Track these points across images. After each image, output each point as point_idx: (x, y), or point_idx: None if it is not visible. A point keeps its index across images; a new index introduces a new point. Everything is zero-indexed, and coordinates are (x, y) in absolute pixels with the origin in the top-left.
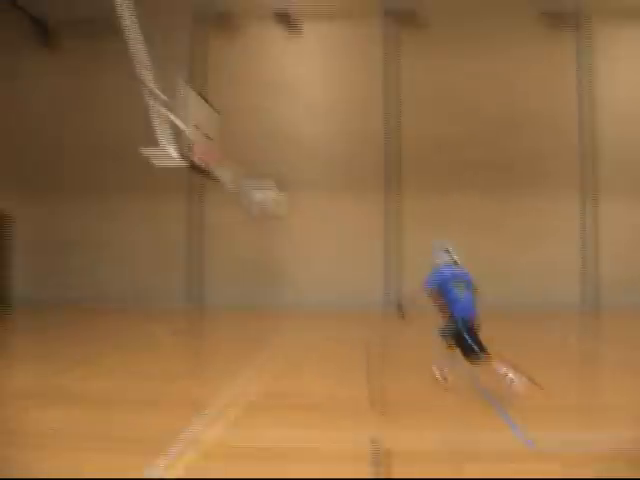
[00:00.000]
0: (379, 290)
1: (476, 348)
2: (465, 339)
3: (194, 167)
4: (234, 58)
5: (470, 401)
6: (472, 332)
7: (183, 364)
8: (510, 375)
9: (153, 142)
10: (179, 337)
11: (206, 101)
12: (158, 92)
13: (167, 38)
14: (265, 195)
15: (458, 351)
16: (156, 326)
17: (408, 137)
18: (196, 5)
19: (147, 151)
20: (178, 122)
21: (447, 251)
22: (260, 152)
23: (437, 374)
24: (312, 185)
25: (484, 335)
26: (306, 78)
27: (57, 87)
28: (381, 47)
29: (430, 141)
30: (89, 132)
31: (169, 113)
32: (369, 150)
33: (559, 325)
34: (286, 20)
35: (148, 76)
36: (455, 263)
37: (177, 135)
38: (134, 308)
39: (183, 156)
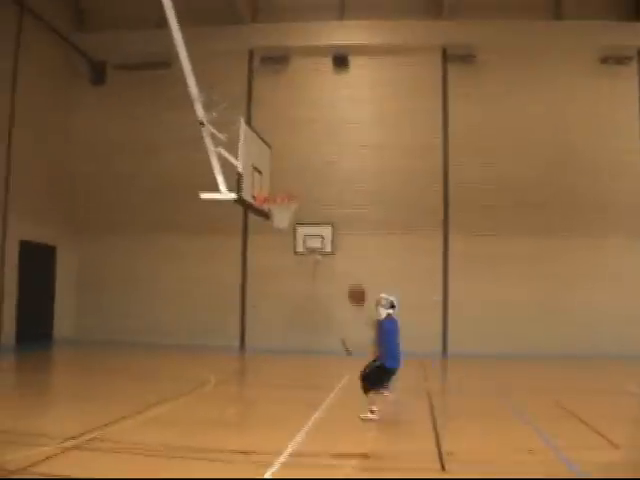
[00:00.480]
0: (434, 336)
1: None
2: (385, 380)
3: (249, 206)
4: (283, 94)
5: None
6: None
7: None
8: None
9: (210, 182)
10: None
11: (260, 138)
12: (215, 131)
13: (219, 74)
14: (317, 235)
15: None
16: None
17: (458, 177)
18: (245, 43)
19: (205, 195)
20: (236, 161)
21: (393, 306)
22: (308, 191)
23: (369, 414)
24: (358, 222)
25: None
26: (355, 114)
27: (112, 125)
28: (433, 86)
29: (481, 180)
30: (143, 171)
31: (226, 152)
32: (420, 189)
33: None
34: (337, 57)
35: (205, 115)
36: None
37: (234, 173)
38: (185, 349)
39: (239, 195)
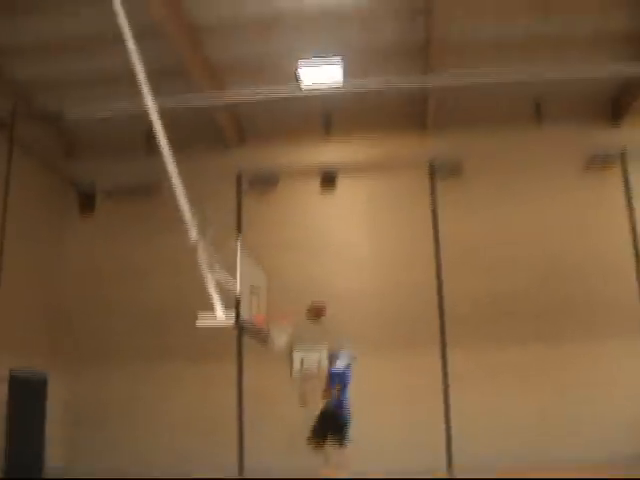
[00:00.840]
0: (438, 451)
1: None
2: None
3: (248, 329)
4: (272, 215)
5: None
6: None
7: None
8: None
9: (202, 305)
10: None
11: (255, 261)
12: (211, 254)
13: (208, 198)
14: (313, 358)
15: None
16: None
17: (451, 288)
18: (233, 167)
19: (202, 322)
20: (233, 284)
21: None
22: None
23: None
24: (359, 343)
25: None
26: (346, 232)
27: (102, 252)
28: (422, 199)
29: (473, 292)
30: (135, 297)
31: (222, 275)
32: (416, 303)
33: None
34: (325, 176)
35: (199, 238)
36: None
37: (229, 297)
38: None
39: (238, 320)
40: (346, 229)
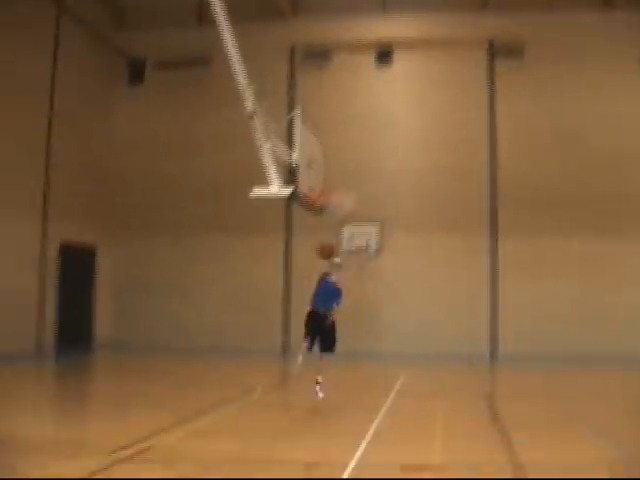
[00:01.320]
0: (482, 339)
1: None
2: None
3: (303, 202)
4: (326, 91)
5: None
6: None
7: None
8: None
9: (255, 181)
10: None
11: (312, 133)
12: (266, 122)
13: (261, 72)
14: (363, 234)
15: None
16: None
17: (506, 174)
18: (289, 39)
19: (256, 192)
20: (290, 154)
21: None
22: (352, 188)
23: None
24: (407, 223)
25: None
26: (400, 111)
27: (153, 124)
28: (479, 80)
29: (530, 178)
30: (186, 171)
31: (279, 147)
32: (467, 186)
33: None
34: (380, 52)
35: (255, 105)
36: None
37: (282, 171)
38: (228, 353)
39: (294, 190)
40: (400, 107)
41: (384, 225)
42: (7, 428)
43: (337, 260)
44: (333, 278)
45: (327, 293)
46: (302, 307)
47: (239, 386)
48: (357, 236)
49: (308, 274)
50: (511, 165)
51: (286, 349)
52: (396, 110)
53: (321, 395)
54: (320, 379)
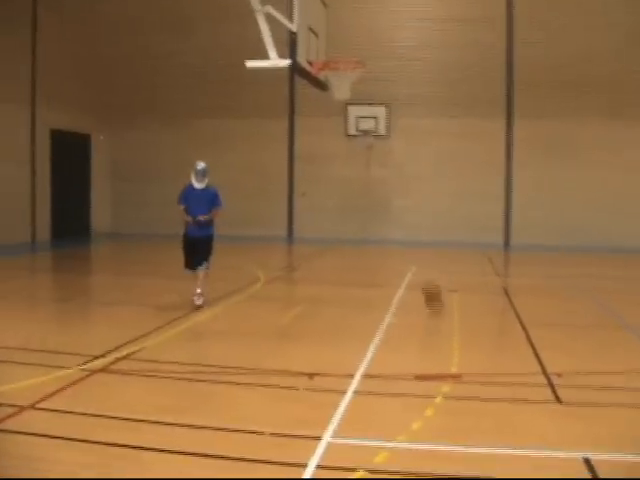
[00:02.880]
0: (496, 227)
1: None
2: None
3: (305, 74)
4: None
5: None
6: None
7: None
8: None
9: (257, 58)
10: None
11: None
12: None
13: None
14: (370, 116)
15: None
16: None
17: (523, 53)
18: None
19: (252, 62)
20: (289, 21)
21: (198, 173)
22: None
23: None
24: (417, 102)
25: None
26: None
27: (142, 2)
28: None
29: (555, 61)
30: (182, 49)
31: (275, 11)
32: (482, 65)
33: None
34: None
35: None
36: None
37: (284, 42)
38: (231, 241)
39: (294, 60)
40: None
41: (393, 106)
42: None
43: (202, 165)
44: (199, 185)
45: (200, 202)
46: (307, 189)
47: (240, 277)
48: (364, 118)
49: (312, 158)
50: (529, 43)
51: (291, 234)
52: None
53: (198, 303)
54: (199, 290)
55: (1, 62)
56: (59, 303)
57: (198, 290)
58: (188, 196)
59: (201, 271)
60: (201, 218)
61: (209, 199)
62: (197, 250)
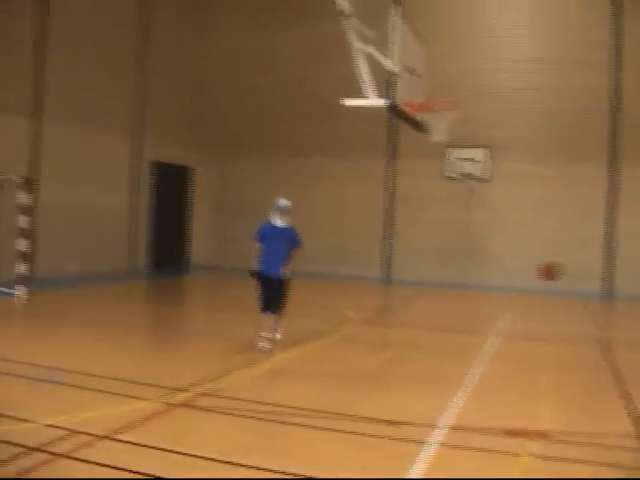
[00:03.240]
0: (594, 275)
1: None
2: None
3: (402, 114)
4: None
5: None
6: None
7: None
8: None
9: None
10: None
11: (415, 35)
12: (361, 25)
13: None
14: (471, 159)
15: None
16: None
17: (631, 98)
18: None
19: (350, 101)
20: (387, 60)
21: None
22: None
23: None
24: (519, 146)
25: None
26: (517, 24)
27: (249, 39)
28: None
29: None
30: (285, 87)
31: (373, 50)
32: (587, 110)
33: None
34: None
35: (348, 4)
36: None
37: (382, 81)
38: (326, 278)
39: (391, 100)
40: (517, 20)
41: (495, 149)
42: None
43: (285, 203)
44: (280, 223)
45: (278, 241)
46: (404, 231)
47: (332, 317)
48: (463, 161)
49: (410, 199)
50: (636, 89)
51: (386, 275)
52: (512, 23)
53: (261, 345)
54: (264, 334)
55: (107, 96)
56: (147, 333)
57: (263, 333)
58: (266, 234)
59: (271, 316)
60: (281, 272)
61: (288, 238)
62: (268, 290)
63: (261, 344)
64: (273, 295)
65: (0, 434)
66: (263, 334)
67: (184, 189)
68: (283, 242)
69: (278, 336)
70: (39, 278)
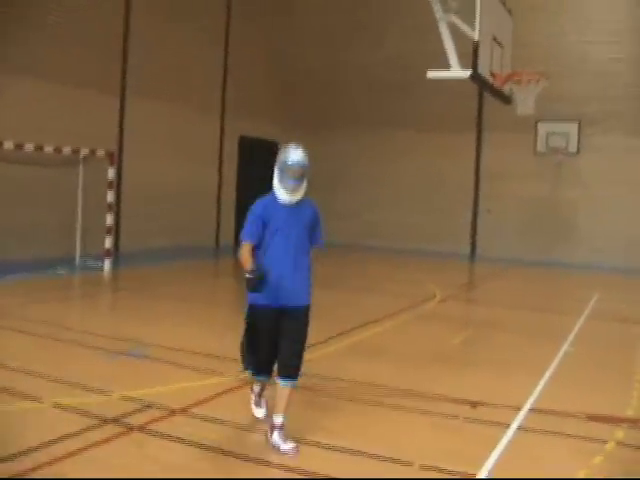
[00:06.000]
0: None
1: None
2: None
3: (487, 86)
4: None
5: None
6: None
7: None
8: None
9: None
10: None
11: (501, 3)
12: None
13: None
14: (560, 133)
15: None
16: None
17: None
18: None
19: (433, 73)
20: (471, 29)
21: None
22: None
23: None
24: (609, 119)
25: None
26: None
27: (335, 13)
28: None
29: None
30: (371, 62)
31: (458, 19)
32: None
33: None
34: None
35: None
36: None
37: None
38: (410, 254)
39: (475, 71)
40: None
41: (585, 124)
42: None
43: (296, 157)
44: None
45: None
46: (491, 206)
47: (415, 293)
48: (553, 135)
49: (498, 175)
50: None
51: (473, 251)
52: None
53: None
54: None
55: (194, 72)
56: (230, 309)
57: (278, 420)
58: (270, 221)
59: (284, 386)
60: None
61: (307, 223)
62: (279, 334)
63: (272, 438)
64: (289, 342)
65: (78, 405)
66: (278, 421)
67: (272, 164)
68: (303, 231)
69: (279, 420)
70: (125, 253)
